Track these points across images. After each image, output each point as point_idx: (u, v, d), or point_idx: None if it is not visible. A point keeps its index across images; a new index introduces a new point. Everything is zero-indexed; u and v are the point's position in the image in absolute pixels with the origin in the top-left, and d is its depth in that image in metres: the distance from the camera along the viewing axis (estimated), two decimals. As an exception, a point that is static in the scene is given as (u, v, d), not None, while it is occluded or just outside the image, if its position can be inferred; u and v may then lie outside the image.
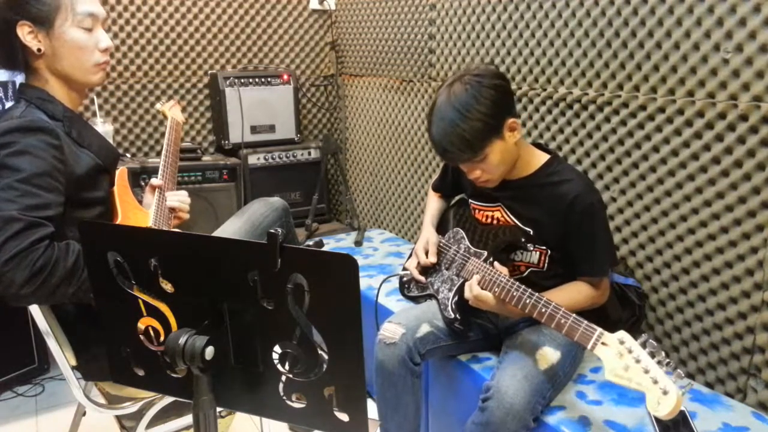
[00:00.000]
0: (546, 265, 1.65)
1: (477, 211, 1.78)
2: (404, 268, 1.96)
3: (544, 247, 1.64)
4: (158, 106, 2.17)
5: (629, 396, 1.60)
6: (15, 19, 1.38)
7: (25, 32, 1.39)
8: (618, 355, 1.25)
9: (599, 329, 1.32)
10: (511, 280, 1.52)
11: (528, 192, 1.65)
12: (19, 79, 1.48)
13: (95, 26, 1.46)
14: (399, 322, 1.73)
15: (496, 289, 1.53)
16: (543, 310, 1.42)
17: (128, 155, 3.01)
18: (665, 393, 1.16)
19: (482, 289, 1.56)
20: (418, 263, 1.86)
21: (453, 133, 1.53)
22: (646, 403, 1.18)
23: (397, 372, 1.69)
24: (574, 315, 1.37)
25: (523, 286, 1.48)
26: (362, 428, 0.95)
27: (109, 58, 1.51)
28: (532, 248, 1.64)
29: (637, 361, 1.22)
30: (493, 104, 1.53)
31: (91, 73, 1.48)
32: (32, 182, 1.27)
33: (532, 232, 1.64)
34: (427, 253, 1.84)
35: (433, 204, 1.99)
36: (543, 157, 1.67)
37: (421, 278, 1.86)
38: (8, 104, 2.48)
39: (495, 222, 1.72)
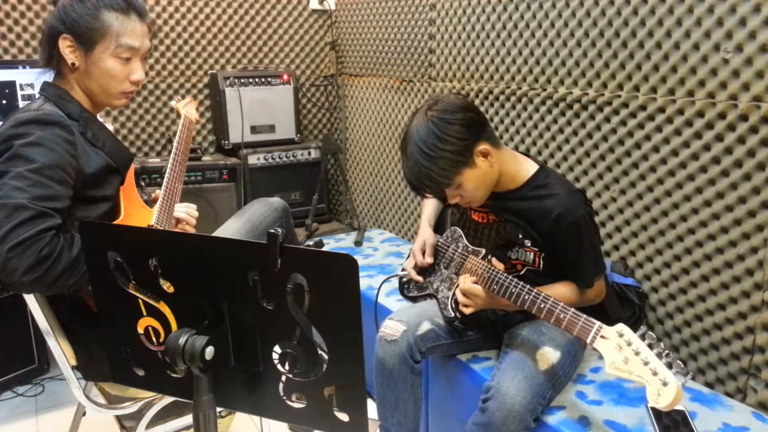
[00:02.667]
0: (541, 265, 1.66)
1: (473, 212, 1.78)
2: (403, 269, 1.97)
3: (537, 249, 1.65)
4: (173, 103, 2.16)
5: (629, 396, 1.61)
6: (60, 30, 1.42)
7: (65, 45, 1.43)
8: (617, 347, 1.26)
9: (598, 323, 1.32)
10: (510, 276, 1.52)
11: (514, 205, 1.65)
12: (45, 77, 1.51)
13: (133, 58, 1.49)
14: (400, 320, 1.73)
15: (495, 287, 1.53)
16: (542, 305, 1.43)
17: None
18: (665, 384, 1.16)
19: (480, 285, 1.57)
20: (416, 264, 1.87)
21: (421, 173, 1.55)
22: (646, 394, 1.19)
23: (397, 369, 1.69)
24: (572, 309, 1.38)
25: (522, 283, 1.49)
26: (362, 428, 0.95)
27: (137, 88, 1.54)
28: (529, 244, 1.64)
29: (637, 354, 1.22)
30: (459, 139, 1.53)
31: (115, 98, 1.52)
32: (44, 173, 1.29)
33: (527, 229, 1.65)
34: (424, 254, 1.84)
35: (431, 203, 1.99)
36: (530, 169, 1.65)
37: (419, 279, 1.87)
38: (22, 103, 2.52)
39: (491, 221, 1.73)
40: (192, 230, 1.75)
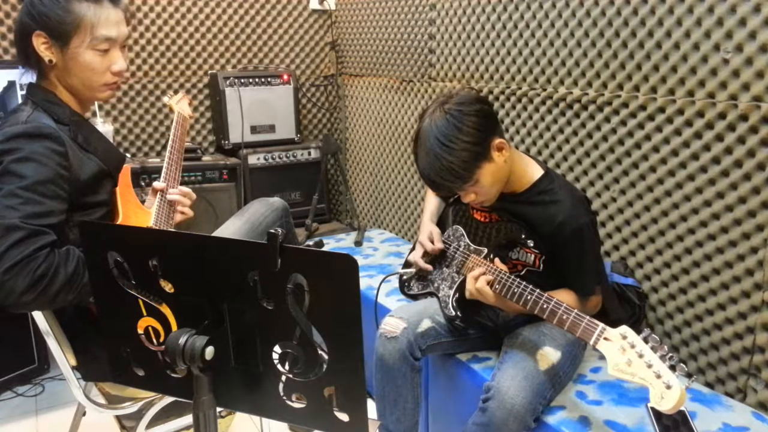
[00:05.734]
0: (541, 267, 1.65)
1: (475, 211, 1.78)
2: (406, 263, 1.96)
3: (538, 251, 1.64)
4: (165, 99, 2.09)
5: (629, 396, 1.61)
6: (32, 27, 1.37)
7: (39, 42, 1.38)
8: (621, 350, 1.26)
9: (601, 324, 1.32)
10: (512, 276, 1.52)
11: (518, 208, 1.65)
12: (28, 78, 1.47)
13: (112, 48, 1.44)
14: (401, 317, 1.73)
15: (497, 286, 1.53)
16: (545, 306, 1.43)
17: (128, 155, 3.01)
18: (668, 387, 1.16)
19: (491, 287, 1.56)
20: (425, 253, 1.85)
21: (440, 166, 1.53)
22: (649, 397, 1.19)
23: (397, 366, 1.69)
24: (575, 311, 1.38)
25: (524, 283, 1.49)
26: (362, 428, 0.95)
27: (121, 78, 1.49)
28: (531, 244, 1.64)
29: (640, 356, 1.22)
30: (477, 131, 1.52)
31: (99, 91, 1.47)
32: (35, 189, 1.27)
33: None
34: (432, 243, 1.83)
35: (432, 201, 1.99)
36: (536, 173, 1.65)
37: (428, 267, 1.84)
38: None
39: (494, 220, 1.73)
40: (189, 212, 1.72)
